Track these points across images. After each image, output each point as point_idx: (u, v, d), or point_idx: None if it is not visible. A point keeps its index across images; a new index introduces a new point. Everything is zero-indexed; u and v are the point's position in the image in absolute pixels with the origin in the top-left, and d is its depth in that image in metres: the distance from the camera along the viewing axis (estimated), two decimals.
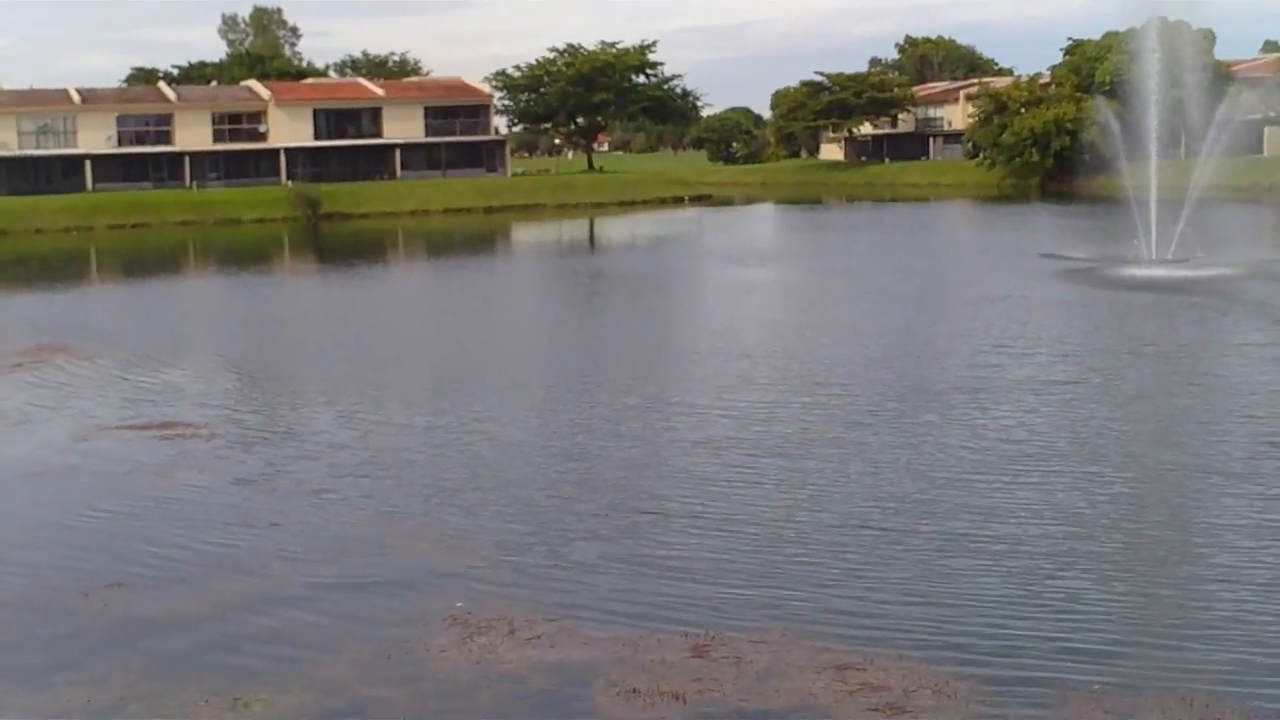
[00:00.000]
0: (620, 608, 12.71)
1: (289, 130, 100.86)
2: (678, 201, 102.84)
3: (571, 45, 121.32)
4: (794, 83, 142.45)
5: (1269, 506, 15.35)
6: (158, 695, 11.05)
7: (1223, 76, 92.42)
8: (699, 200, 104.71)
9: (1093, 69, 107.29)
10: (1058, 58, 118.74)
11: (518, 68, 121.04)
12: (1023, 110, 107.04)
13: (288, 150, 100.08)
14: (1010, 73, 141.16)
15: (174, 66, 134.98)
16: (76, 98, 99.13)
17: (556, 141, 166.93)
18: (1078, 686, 10.63)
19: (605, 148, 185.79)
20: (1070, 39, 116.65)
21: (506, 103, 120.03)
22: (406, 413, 22.60)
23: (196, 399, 25.23)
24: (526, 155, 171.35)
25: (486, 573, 13.89)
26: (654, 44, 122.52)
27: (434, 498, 16.89)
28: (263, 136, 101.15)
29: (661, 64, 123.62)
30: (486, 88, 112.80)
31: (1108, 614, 12.27)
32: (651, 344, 31.01)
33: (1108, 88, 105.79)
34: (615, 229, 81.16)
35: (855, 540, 14.59)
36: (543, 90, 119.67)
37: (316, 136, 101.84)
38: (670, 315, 37.46)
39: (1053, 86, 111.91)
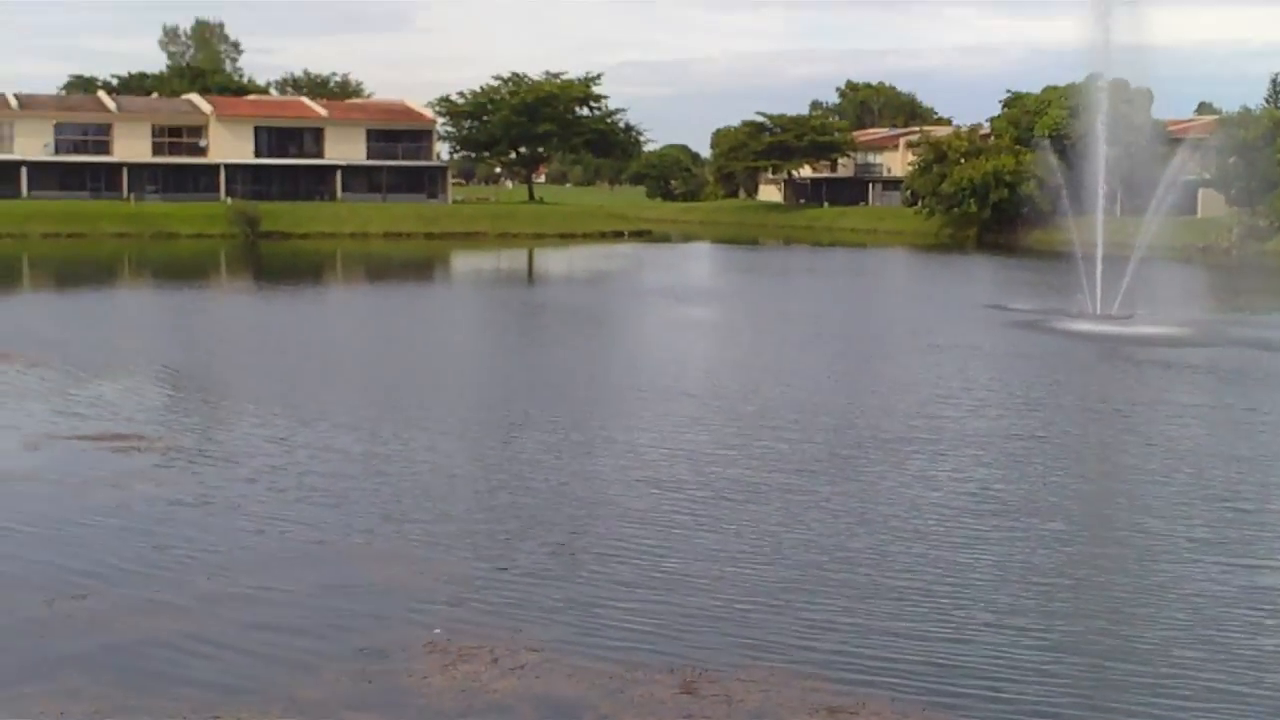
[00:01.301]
0: (602, 641, 12.53)
1: (230, 146, 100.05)
2: (617, 236, 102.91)
3: (516, 74, 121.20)
4: (732, 122, 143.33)
5: (1228, 568, 15.38)
6: (133, 711, 10.78)
7: (1160, 136, 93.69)
8: (638, 236, 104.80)
9: (1032, 122, 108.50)
10: (996, 109, 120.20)
11: (461, 94, 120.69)
12: (962, 160, 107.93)
13: (228, 166, 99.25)
14: (949, 122, 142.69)
15: (113, 76, 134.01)
16: (14, 103, 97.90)
17: (497, 170, 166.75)
18: None
19: (542, 179, 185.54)
20: (1009, 91, 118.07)
21: (449, 129, 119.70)
22: (349, 437, 22.18)
23: (145, 411, 24.82)
24: (464, 183, 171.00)
25: (460, 600, 13.67)
26: (599, 76, 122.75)
27: (395, 523, 16.61)
28: (203, 151, 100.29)
29: (606, 97, 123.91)
30: (430, 113, 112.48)
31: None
32: (594, 379, 30.72)
33: (1047, 141, 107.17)
34: (556, 261, 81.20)
35: (825, 585, 14.47)
36: (486, 118, 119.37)
37: (257, 154, 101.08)
38: (612, 350, 37.22)
39: (992, 138, 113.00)
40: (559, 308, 48.72)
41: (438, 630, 12.64)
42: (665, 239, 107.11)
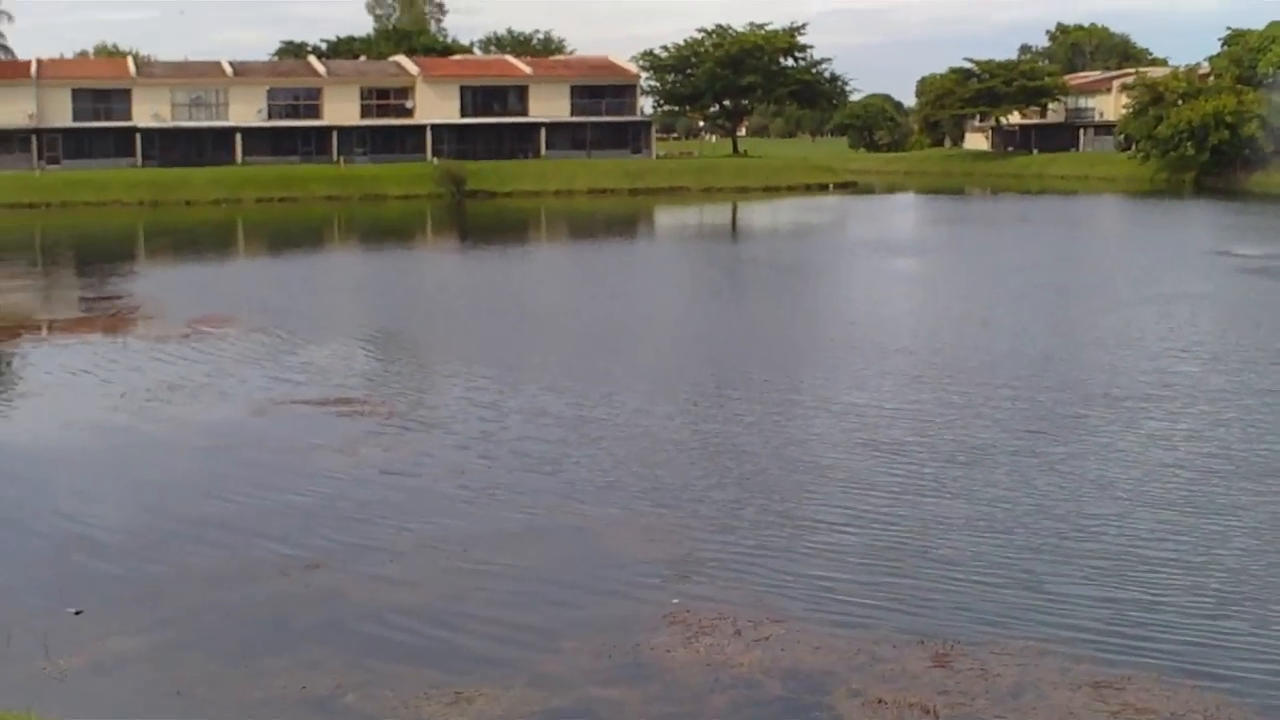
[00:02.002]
0: (842, 612, 12.10)
1: (436, 107, 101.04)
2: (822, 188, 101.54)
3: (720, 26, 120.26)
4: (935, 69, 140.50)
5: None
6: (374, 684, 10.66)
7: None
8: (843, 187, 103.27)
9: (1255, 60, 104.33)
10: (1215, 48, 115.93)
11: (665, 48, 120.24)
12: (1180, 102, 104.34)
13: (434, 127, 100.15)
14: (1164, 63, 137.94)
15: (322, 40, 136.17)
16: (229, 70, 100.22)
17: (700, 124, 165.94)
18: None
19: (743, 132, 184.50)
20: (1229, 29, 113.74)
21: (653, 83, 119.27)
22: (561, 401, 21.89)
23: (365, 375, 25.07)
24: (665, 138, 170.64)
25: (691, 571, 13.32)
26: (803, 26, 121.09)
27: (615, 491, 16.33)
28: (409, 113, 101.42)
29: (810, 47, 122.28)
30: (633, 68, 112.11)
31: None
32: (807, 337, 30.13)
33: (1271, 80, 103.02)
34: (761, 214, 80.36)
35: (1068, 555, 13.83)
36: (690, 71, 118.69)
37: (463, 114, 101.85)
38: (823, 307, 36.45)
39: (1211, 78, 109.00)
40: (766, 263, 48.12)
41: (676, 600, 12.34)
42: (869, 190, 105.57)
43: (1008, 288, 38.08)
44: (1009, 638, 11.34)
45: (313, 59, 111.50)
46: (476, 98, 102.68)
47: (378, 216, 77.23)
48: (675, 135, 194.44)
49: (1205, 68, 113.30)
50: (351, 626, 11.97)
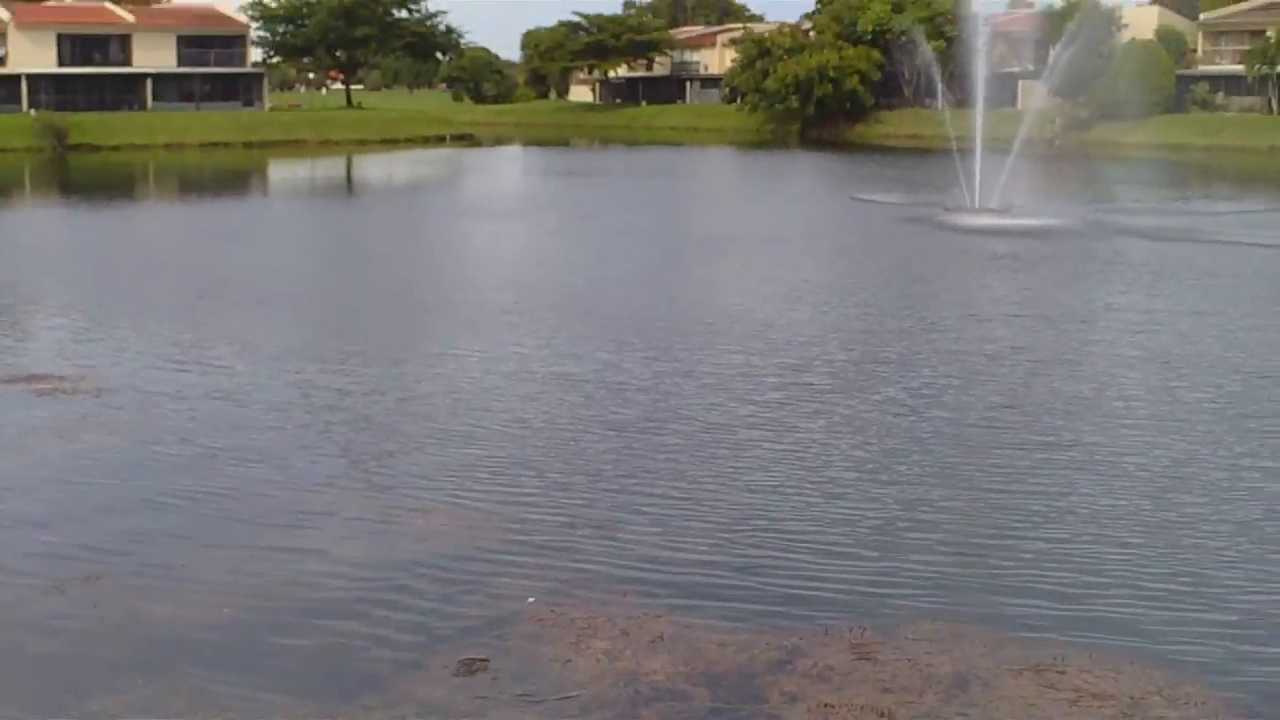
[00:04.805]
0: (722, 601, 10.95)
1: (30, 55, 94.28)
2: (440, 140, 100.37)
3: None
4: (536, 23, 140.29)
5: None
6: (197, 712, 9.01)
7: (983, 29, 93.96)
8: (461, 139, 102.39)
9: (854, 18, 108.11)
10: (809, 5, 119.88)
11: None
12: (786, 57, 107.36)
13: (30, 76, 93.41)
14: (761, 19, 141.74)
15: None
16: None
17: (311, 76, 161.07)
18: None
19: (338, 85, 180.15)
20: None
21: (263, 34, 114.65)
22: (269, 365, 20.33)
23: (43, 345, 22.55)
24: (288, 92, 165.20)
25: (526, 562, 11.97)
26: None
27: (376, 473, 14.92)
28: (1, 61, 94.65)
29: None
30: (243, 18, 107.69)
31: None
32: (452, 298, 28.93)
33: (869, 37, 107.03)
34: (379, 168, 78.75)
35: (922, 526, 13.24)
36: (302, 23, 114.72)
37: (61, 63, 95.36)
38: (461, 266, 35.42)
39: (813, 34, 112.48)
40: (379, 222, 46.32)
41: (531, 599, 10.99)
42: (480, 143, 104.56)
43: (662, 241, 38.11)
44: (910, 621, 10.52)
45: None
46: (75, 46, 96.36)
47: None
48: (301, 89, 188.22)
49: (808, 24, 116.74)
50: (160, 650, 10.17)
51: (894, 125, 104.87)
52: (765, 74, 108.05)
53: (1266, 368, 20.29)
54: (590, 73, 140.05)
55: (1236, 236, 37.88)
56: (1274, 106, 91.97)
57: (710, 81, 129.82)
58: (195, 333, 22.92)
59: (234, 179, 70.25)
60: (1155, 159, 74.30)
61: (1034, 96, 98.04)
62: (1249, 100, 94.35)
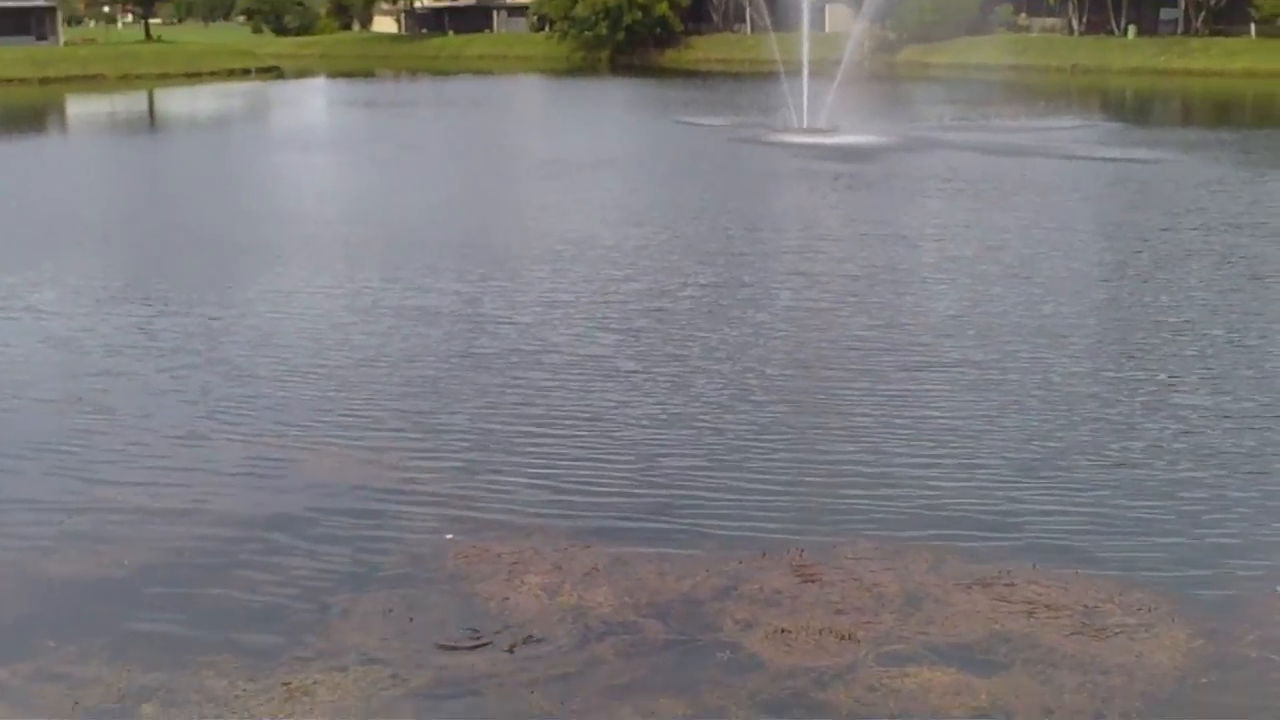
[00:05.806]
0: (648, 528, 10.57)
1: None
2: (245, 73, 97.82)
3: None
4: None
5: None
6: (169, 686, 8.34)
7: None
8: (266, 72, 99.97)
9: None
10: None
11: None
12: None
13: None
14: None
15: None
16: None
17: (106, 10, 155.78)
18: None
19: (130, 18, 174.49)
20: None
21: None
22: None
23: None
24: (66, 25, 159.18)
25: (433, 498, 11.42)
26: None
27: (261, 413, 14.23)
28: None
29: None
30: None
31: None
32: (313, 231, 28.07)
33: None
34: (183, 102, 76.32)
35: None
36: None
37: None
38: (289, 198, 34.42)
39: None
40: (193, 156, 44.71)
41: (450, 535, 10.47)
42: (285, 76, 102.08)
43: (496, 169, 37.52)
44: (848, 541, 10.24)
45: None
46: None
47: None
48: (91, 24, 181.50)
49: None
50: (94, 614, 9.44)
51: (704, 50, 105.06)
52: (574, 2, 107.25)
53: (1124, 277, 20.50)
54: (395, 3, 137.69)
55: (1069, 150, 38.49)
56: (1074, 27, 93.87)
57: (518, 10, 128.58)
58: (11, 276, 21.48)
59: (31, 115, 67.25)
60: (964, 78, 75.40)
61: (842, 20, 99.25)
62: (1050, 21, 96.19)
